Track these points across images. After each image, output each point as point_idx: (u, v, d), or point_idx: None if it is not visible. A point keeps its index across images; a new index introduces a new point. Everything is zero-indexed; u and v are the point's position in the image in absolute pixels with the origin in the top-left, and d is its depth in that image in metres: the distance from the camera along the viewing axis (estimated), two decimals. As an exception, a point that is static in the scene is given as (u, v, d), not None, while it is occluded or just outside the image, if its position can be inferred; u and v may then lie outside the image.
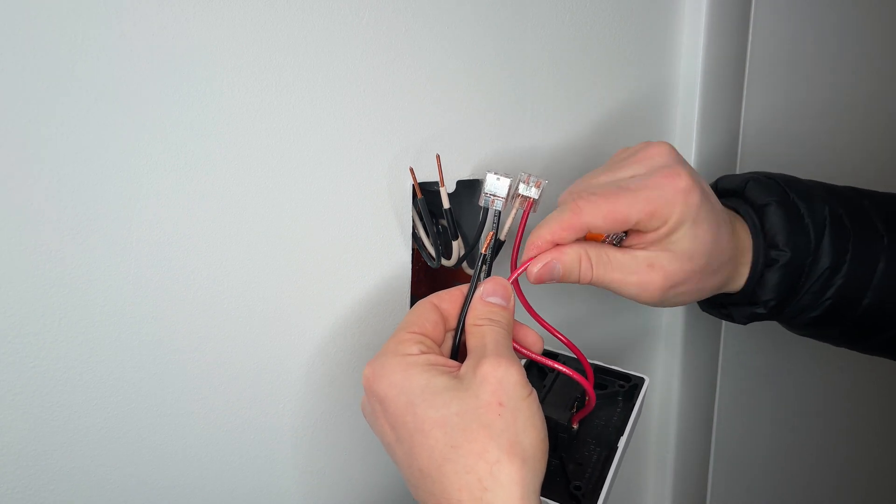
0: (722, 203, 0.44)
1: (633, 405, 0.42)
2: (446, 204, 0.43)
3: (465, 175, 0.47)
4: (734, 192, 0.47)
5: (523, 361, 0.36)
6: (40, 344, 0.35)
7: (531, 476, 0.31)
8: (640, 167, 0.40)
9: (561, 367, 0.36)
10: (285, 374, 0.43)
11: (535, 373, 0.44)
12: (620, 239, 0.41)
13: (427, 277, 0.53)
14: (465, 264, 0.49)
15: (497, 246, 0.40)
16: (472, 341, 0.36)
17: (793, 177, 0.47)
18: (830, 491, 0.80)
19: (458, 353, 0.38)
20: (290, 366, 0.44)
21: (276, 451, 0.44)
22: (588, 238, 0.40)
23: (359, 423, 0.47)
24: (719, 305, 0.49)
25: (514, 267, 0.39)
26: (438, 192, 0.43)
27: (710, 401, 0.68)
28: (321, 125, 0.41)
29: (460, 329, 0.37)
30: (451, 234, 0.44)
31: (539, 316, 0.40)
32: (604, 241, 0.40)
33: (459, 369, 0.34)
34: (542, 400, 0.40)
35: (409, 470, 0.33)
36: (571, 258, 0.38)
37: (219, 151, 0.38)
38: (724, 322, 0.66)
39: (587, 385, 0.37)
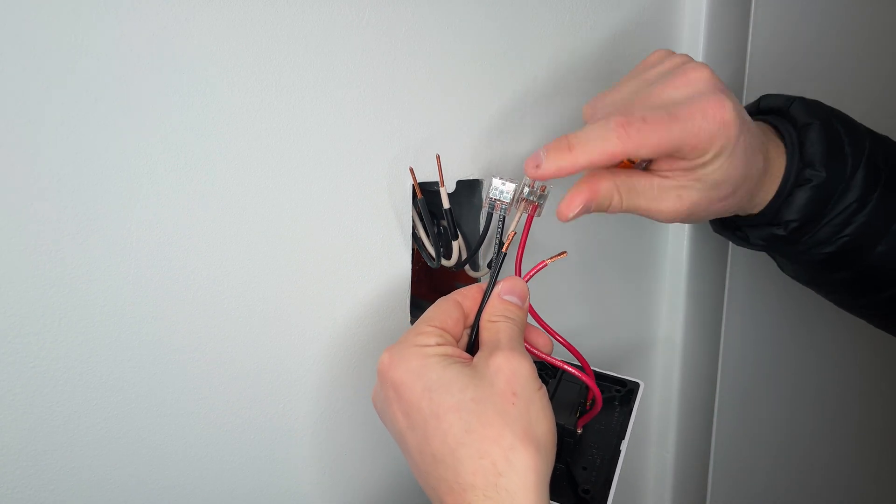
0: (762, 119, 0.43)
1: (631, 409, 0.42)
2: (446, 204, 0.43)
3: (466, 175, 0.47)
4: (777, 111, 0.46)
5: None
6: (40, 344, 0.35)
7: (543, 465, 0.32)
8: (680, 91, 0.37)
9: (570, 369, 0.37)
10: (285, 374, 0.43)
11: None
12: (648, 162, 0.39)
13: (427, 277, 0.53)
14: (467, 267, 0.49)
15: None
16: (485, 335, 0.36)
17: (837, 109, 0.46)
18: (831, 491, 0.80)
19: (473, 348, 0.38)
20: (290, 366, 0.44)
21: (276, 451, 0.44)
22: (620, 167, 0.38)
23: (359, 422, 0.47)
24: (734, 227, 0.48)
25: (518, 270, 0.39)
26: (438, 192, 0.43)
27: (710, 401, 0.68)
28: (321, 125, 0.41)
29: (476, 324, 0.38)
30: (451, 235, 0.45)
31: (543, 320, 0.40)
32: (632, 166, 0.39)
33: (472, 361, 0.35)
34: None
35: (421, 456, 0.33)
36: (604, 194, 0.37)
37: (219, 151, 0.38)
38: (723, 321, 0.66)
39: (595, 388, 0.38)
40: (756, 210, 0.44)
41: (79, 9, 0.33)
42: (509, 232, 0.39)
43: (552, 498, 0.36)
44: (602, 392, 0.44)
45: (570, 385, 0.43)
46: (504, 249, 0.39)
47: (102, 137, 0.35)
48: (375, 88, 0.42)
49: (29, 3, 0.32)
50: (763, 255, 0.66)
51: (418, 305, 0.47)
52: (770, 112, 0.46)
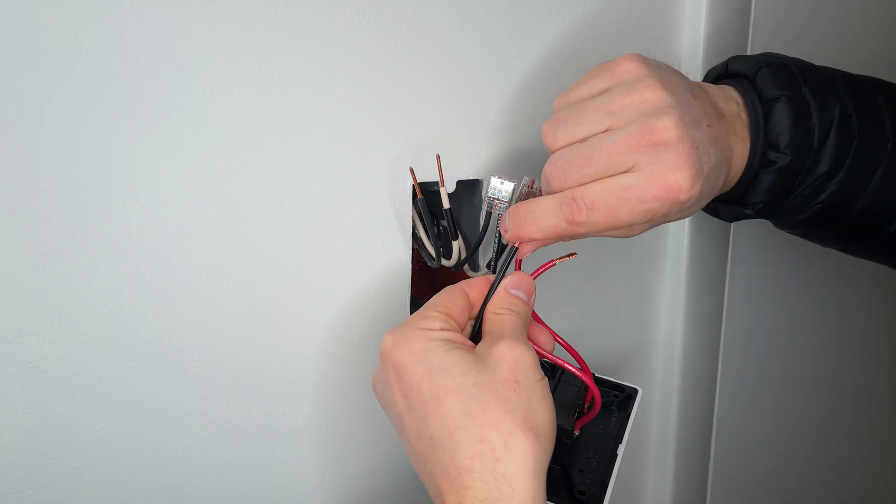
0: (728, 84, 0.42)
1: (629, 415, 0.42)
2: (446, 204, 0.43)
3: (466, 175, 0.47)
4: (744, 76, 0.44)
5: None
6: (40, 344, 0.35)
7: (542, 454, 0.32)
8: (642, 157, 0.35)
9: (571, 368, 0.37)
10: (285, 374, 0.43)
11: None
12: None
13: (427, 277, 0.53)
14: (466, 266, 0.49)
15: (501, 249, 0.41)
16: (489, 326, 0.36)
17: (809, 64, 0.44)
18: (831, 492, 0.80)
19: (476, 338, 0.38)
20: (290, 366, 0.44)
21: (275, 451, 0.44)
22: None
23: (359, 422, 0.47)
24: None
25: (517, 266, 0.39)
26: (438, 192, 0.43)
27: (709, 402, 0.68)
28: (321, 125, 0.41)
29: (480, 315, 0.38)
30: (451, 234, 0.45)
31: (544, 322, 0.40)
32: None
33: (475, 349, 0.35)
34: None
35: (419, 439, 0.33)
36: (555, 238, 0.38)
37: (219, 151, 0.38)
38: (722, 322, 0.66)
39: (595, 388, 0.38)
40: (726, 189, 0.43)
41: (79, 9, 0.33)
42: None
43: (549, 499, 0.36)
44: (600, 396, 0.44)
45: (569, 387, 0.43)
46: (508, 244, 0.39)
47: (102, 137, 0.35)
48: (375, 88, 0.42)
49: (29, 3, 0.32)
50: (763, 257, 0.66)
51: (418, 305, 0.47)
52: (737, 77, 0.45)
